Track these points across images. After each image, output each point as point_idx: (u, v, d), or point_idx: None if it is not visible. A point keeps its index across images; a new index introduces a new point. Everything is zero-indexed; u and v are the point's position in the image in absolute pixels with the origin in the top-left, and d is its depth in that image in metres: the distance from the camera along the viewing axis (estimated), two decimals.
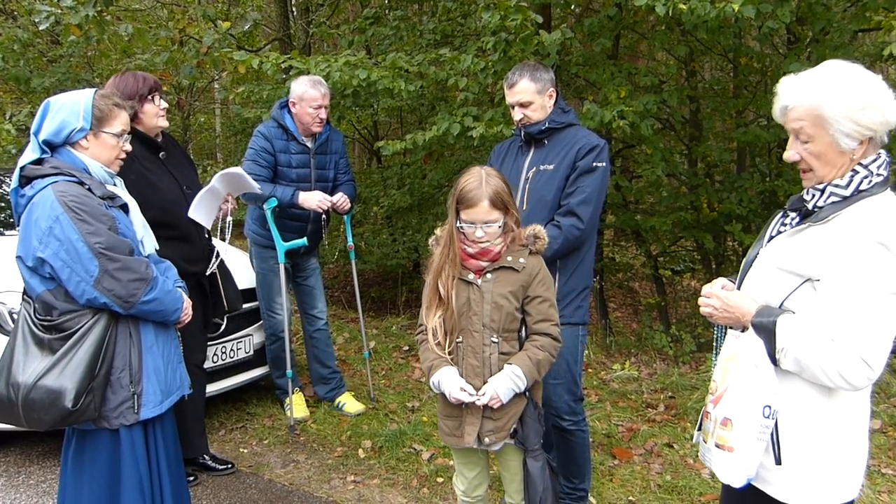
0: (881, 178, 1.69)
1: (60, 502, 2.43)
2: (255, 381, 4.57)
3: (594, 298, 7.41)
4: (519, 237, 2.37)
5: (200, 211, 3.37)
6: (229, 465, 3.72)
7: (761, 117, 6.61)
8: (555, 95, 2.92)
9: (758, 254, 1.85)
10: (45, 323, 2.24)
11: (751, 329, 1.73)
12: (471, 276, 2.33)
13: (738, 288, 1.88)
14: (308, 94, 3.97)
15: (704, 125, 6.67)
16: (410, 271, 8.83)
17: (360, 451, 3.92)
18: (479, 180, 2.27)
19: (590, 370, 5.18)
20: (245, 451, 4.01)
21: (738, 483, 1.72)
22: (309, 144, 4.11)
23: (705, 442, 1.82)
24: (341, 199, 4.15)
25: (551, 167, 2.85)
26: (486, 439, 2.33)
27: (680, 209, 6.32)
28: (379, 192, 8.08)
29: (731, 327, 1.85)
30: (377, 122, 8.88)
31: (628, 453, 3.80)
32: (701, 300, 1.88)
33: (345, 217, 4.52)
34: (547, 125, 2.88)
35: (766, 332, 1.69)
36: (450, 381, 2.29)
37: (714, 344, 1.96)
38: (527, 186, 2.88)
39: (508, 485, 2.53)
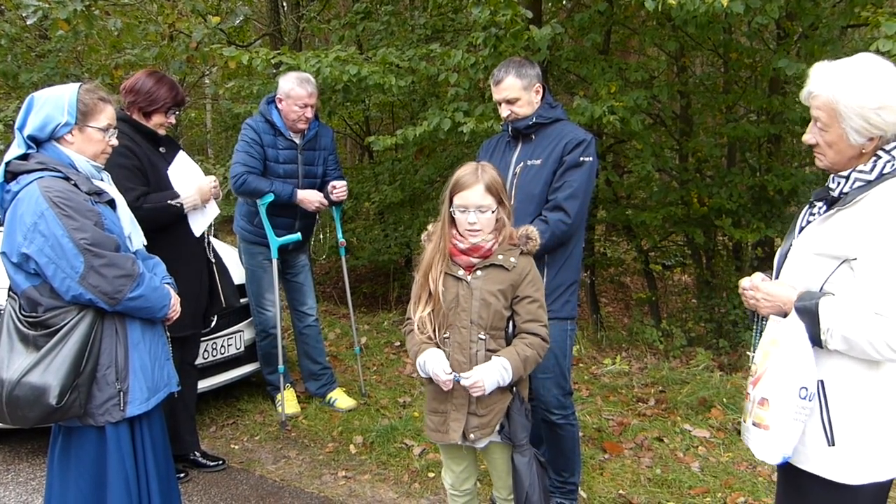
0: None
1: (47, 500, 2.42)
2: (246, 378, 4.57)
3: (585, 294, 7.44)
4: (511, 236, 2.37)
5: (202, 220, 3.45)
6: (220, 462, 3.72)
7: (751, 112, 6.65)
8: (542, 91, 2.92)
9: (791, 245, 1.92)
10: (30, 319, 2.22)
11: (792, 314, 1.78)
12: (461, 273, 2.33)
13: (776, 278, 1.95)
14: (294, 91, 3.95)
15: (695, 120, 6.70)
16: (402, 267, 8.84)
17: (352, 446, 3.93)
18: (475, 168, 2.31)
19: (581, 365, 5.19)
20: (236, 447, 4.01)
21: (773, 460, 1.79)
22: (297, 140, 4.09)
23: (744, 422, 1.90)
24: (340, 188, 4.15)
25: (539, 162, 2.85)
26: (472, 435, 2.34)
27: (670, 204, 6.35)
28: (370, 188, 8.07)
29: (761, 316, 1.93)
30: (368, 117, 8.87)
31: (619, 447, 3.81)
32: (746, 293, 1.95)
33: (334, 213, 4.51)
34: (534, 120, 2.88)
35: (809, 314, 1.74)
36: (435, 362, 2.27)
37: (753, 334, 2.04)
38: (514, 181, 2.88)
39: (496, 481, 2.54)
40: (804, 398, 1.73)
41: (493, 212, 2.28)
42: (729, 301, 6.16)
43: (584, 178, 2.81)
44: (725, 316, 6.20)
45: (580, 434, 3.37)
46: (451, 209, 2.31)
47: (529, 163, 2.87)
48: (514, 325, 2.35)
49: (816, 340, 1.73)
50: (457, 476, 2.55)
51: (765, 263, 6.58)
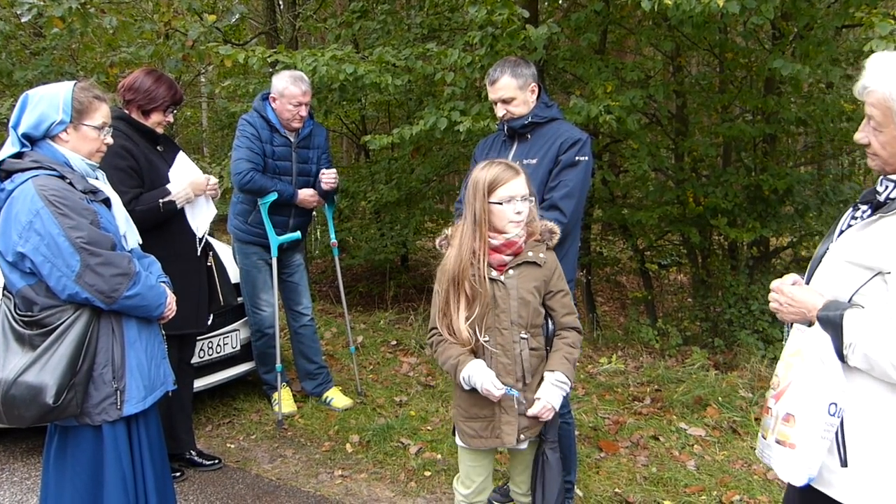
0: None
1: (43, 500, 2.41)
2: (242, 377, 4.56)
3: (582, 292, 7.45)
4: (534, 232, 2.38)
5: (201, 217, 3.45)
6: (216, 461, 3.71)
7: (747, 112, 6.68)
8: (537, 90, 2.92)
9: (827, 249, 1.79)
10: (26, 318, 2.22)
11: (817, 324, 1.67)
12: (494, 273, 2.29)
13: (807, 283, 1.82)
14: (289, 90, 3.94)
15: (690, 120, 6.71)
16: (398, 266, 8.84)
17: (348, 445, 3.93)
18: (504, 164, 2.30)
19: (577, 364, 5.20)
20: (232, 446, 4.00)
21: (799, 481, 1.66)
22: (291, 138, 4.09)
23: (764, 438, 1.76)
24: (330, 174, 4.15)
25: (534, 161, 2.85)
26: (522, 436, 2.32)
27: (666, 203, 6.37)
28: (367, 187, 8.06)
29: (788, 324, 1.81)
30: (365, 116, 8.86)
31: (614, 446, 3.82)
32: (770, 296, 1.83)
33: (327, 213, 4.51)
34: (530, 119, 2.88)
35: (833, 326, 1.62)
36: (482, 375, 2.22)
37: (783, 340, 1.89)
38: None
39: (517, 476, 2.53)
40: (833, 415, 1.62)
41: (531, 205, 2.31)
42: (724, 300, 6.18)
43: (580, 177, 2.82)
44: (721, 315, 6.22)
45: (576, 433, 3.38)
46: (496, 201, 2.25)
47: (525, 162, 2.87)
48: (553, 321, 2.36)
49: (838, 354, 1.62)
50: (476, 486, 2.49)
51: (760, 263, 6.60)
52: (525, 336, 2.30)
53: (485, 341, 2.29)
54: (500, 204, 2.26)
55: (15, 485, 3.50)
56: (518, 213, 2.27)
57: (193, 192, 3.37)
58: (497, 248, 2.29)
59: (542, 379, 2.33)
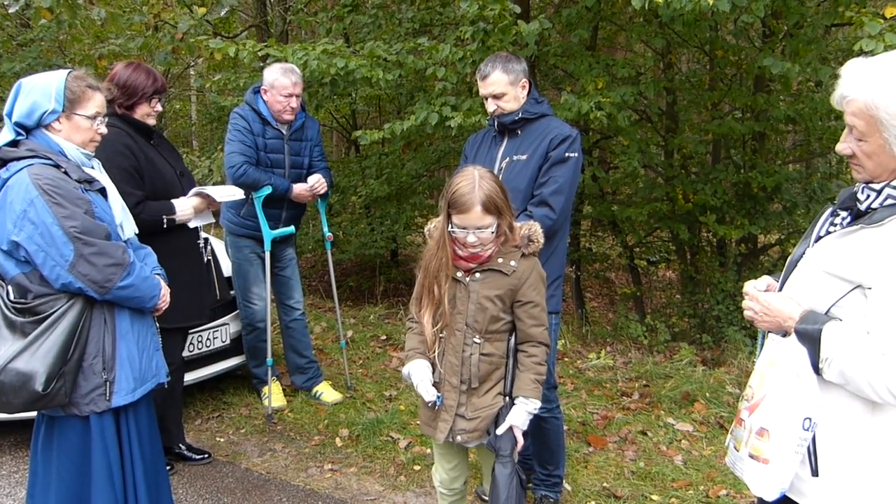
0: None
1: (30, 490, 2.41)
2: (232, 371, 4.55)
3: (571, 288, 7.48)
4: (512, 238, 2.30)
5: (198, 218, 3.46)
6: (206, 455, 3.71)
7: (736, 110, 6.71)
8: (528, 86, 2.93)
9: (803, 253, 1.73)
10: (19, 306, 2.22)
11: (793, 335, 1.63)
12: (459, 274, 2.29)
13: (780, 288, 1.78)
14: (279, 81, 3.94)
15: (680, 117, 6.74)
16: (388, 261, 8.83)
17: (338, 439, 3.93)
18: (472, 184, 2.17)
19: (566, 359, 5.23)
20: (222, 440, 4.00)
21: (771, 496, 1.64)
22: (283, 130, 4.08)
23: (737, 450, 1.73)
24: (318, 182, 4.15)
25: (524, 157, 2.86)
26: (459, 437, 2.32)
27: (656, 200, 6.40)
28: (357, 182, 8.04)
29: (770, 331, 1.76)
30: (355, 110, 8.83)
31: (603, 441, 3.85)
32: (745, 303, 1.78)
33: (320, 207, 4.50)
34: (520, 115, 2.89)
35: (811, 340, 1.59)
36: (418, 376, 2.31)
37: (758, 348, 1.87)
38: (500, 177, 2.89)
39: (486, 477, 2.54)
40: (807, 429, 1.59)
41: (492, 231, 2.22)
42: (712, 297, 6.22)
43: (570, 173, 2.83)
44: (709, 311, 6.26)
45: (565, 427, 3.40)
46: (451, 229, 2.24)
47: (515, 158, 2.88)
48: (517, 330, 2.32)
49: (814, 367, 1.59)
50: (447, 473, 2.53)
51: (748, 260, 6.65)
52: (478, 341, 2.28)
53: (441, 337, 2.33)
54: (456, 230, 2.23)
55: (3, 478, 3.48)
56: (471, 243, 2.21)
57: (195, 212, 3.34)
58: (464, 257, 2.28)
59: (491, 385, 2.32)
